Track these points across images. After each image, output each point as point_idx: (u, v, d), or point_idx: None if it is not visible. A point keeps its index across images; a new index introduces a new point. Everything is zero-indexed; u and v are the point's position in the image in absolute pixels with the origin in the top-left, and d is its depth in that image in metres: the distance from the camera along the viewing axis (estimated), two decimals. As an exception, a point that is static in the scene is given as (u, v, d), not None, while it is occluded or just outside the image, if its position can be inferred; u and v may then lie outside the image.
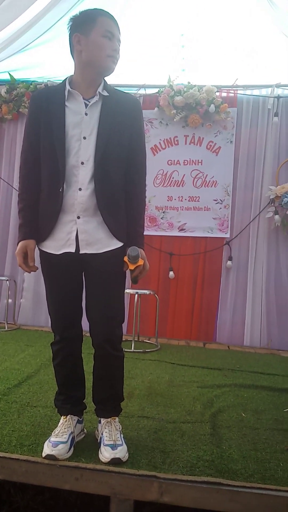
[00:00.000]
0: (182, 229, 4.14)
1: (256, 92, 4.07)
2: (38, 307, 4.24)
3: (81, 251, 1.66)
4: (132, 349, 3.45)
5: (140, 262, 1.67)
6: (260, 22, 3.72)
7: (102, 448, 1.67)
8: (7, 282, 4.11)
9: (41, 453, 1.65)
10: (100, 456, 1.65)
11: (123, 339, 1.81)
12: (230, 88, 4.04)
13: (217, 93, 3.97)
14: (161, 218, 4.16)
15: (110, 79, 1.75)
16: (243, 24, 3.77)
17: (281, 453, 1.82)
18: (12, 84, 4.25)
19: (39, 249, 1.73)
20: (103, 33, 1.61)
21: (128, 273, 1.74)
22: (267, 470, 1.67)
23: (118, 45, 1.66)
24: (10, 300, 4.15)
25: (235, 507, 1.53)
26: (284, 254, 4.00)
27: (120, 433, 1.73)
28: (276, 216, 3.91)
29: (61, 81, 1.74)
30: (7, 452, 1.67)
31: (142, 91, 4.14)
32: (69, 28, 1.68)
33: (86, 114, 1.65)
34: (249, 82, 4.04)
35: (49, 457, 1.61)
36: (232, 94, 4.04)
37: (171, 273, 4.10)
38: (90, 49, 1.63)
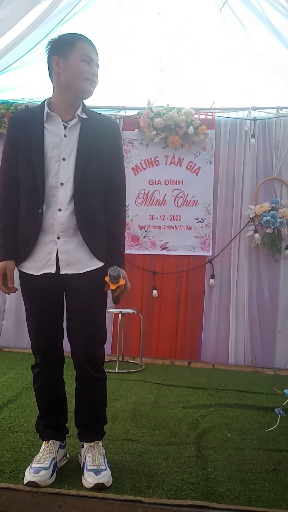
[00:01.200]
0: (164, 248, 4.16)
1: (233, 114, 4.17)
2: (20, 328, 4.17)
3: (62, 272, 1.65)
4: (117, 370, 3.40)
5: (122, 282, 1.67)
6: (235, 46, 3.86)
7: (85, 473, 1.63)
8: (-12, 304, 4.04)
9: (23, 480, 1.61)
10: (83, 482, 1.62)
11: (107, 360, 1.80)
12: (208, 111, 4.14)
13: (196, 115, 4.06)
14: (144, 237, 4.18)
15: (91, 101, 1.77)
16: (220, 48, 3.90)
17: (267, 474, 1.81)
18: (-8, 105, 4.27)
19: (18, 270, 1.71)
20: (81, 57, 1.65)
21: (109, 293, 1.74)
22: (253, 491, 1.66)
23: (96, 69, 1.70)
24: (-9, 323, 4.07)
25: (221, 530, 1.51)
26: (265, 272, 4.05)
27: (104, 458, 1.70)
28: (256, 235, 3.97)
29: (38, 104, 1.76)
30: (-14, 481, 1.61)
31: (122, 113, 4.20)
32: (47, 51, 1.71)
33: (65, 135, 1.67)
34: (227, 104, 4.14)
35: (30, 484, 1.57)
36: (210, 116, 4.13)
37: (155, 291, 4.10)
38: (68, 72, 1.65)
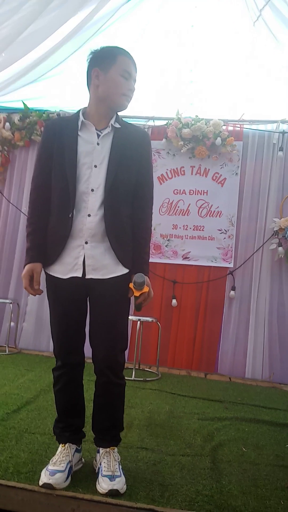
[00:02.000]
0: (186, 258, 4.17)
1: (261, 127, 4.17)
2: (40, 331, 4.23)
3: (87, 276, 1.68)
4: (133, 377, 3.41)
5: (146, 289, 1.69)
6: (266, 58, 3.87)
7: (100, 478, 1.64)
8: (11, 305, 4.11)
9: (38, 481, 1.63)
10: (98, 487, 1.63)
11: (124, 367, 1.81)
12: (237, 123, 4.15)
13: (224, 127, 4.07)
14: (166, 246, 4.20)
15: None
16: (250, 60, 3.92)
17: (282, 490, 1.78)
18: (25, 112, 4.38)
19: (45, 273, 1.75)
20: (121, 73, 1.69)
21: (132, 300, 1.76)
22: (268, 508, 1.63)
23: (133, 84, 1.74)
24: (12, 323, 4.14)
25: None
26: (287, 286, 4.00)
27: (119, 464, 1.71)
28: (280, 248, 3.93)
29: (72, 111, 1.80)
30: (3, 480, 1.64)
31: (151, 123, 4.25)
32: (88, 60, 1.75)
33: (98, 144, 1.71)
34: (255, 117, 4.15)
35: (46, 486, 1.59)
36: (238, 128, 4.14)
37: (174, 301, 4.10)
38: (107, 85, 1.70)
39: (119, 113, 1.80)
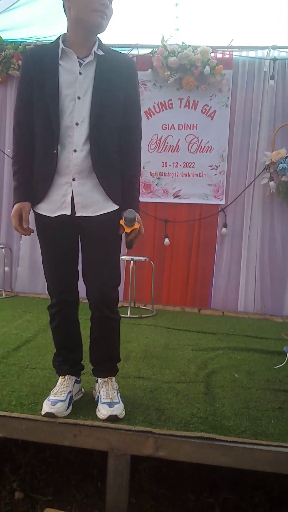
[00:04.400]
0: (177, 196, 4.12)
1: (252, 54, 3.97)
2: (34, 274, 4.26)
3: (77, 214, 1.65)
4: (128, 315, 3.50)
5: (136, 225, 1.67)
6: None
7: (100, 405, 1.72)
8: (3, 250, 4.10)
9: (41, 411, 1.70)
10: (98, 414, 1.71)
11: (119, 306, 1.84)
12: (226, 50, 3.93)
13: (212, 54, 3.87)
14: (156, 185, 4.13)
15: (101, 38, 1.69)
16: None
17: (272, 411, 1.88)
18: (0, 45, 4.10)
19: (34, 211, 1.72)
20: None
21: (123, 237, 1.75)
22: (259, 427, 1.74)
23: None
24: (6, 268, 4.16)
25: (228, 461, 1.60)
26: (279, 221, 4.01)
27: (117, 392, 1.78)
28: (271, 183, 3.89)
29: (51, 41, 1.68)
30: (7, 411, 1.71)
31: (135, 51, 4.02)
32: None
33: (80, 73, 1.61)
34: (245, 43, 3.92)
35: (48, 415, 1.66)
36: (228, 56, 3.93)
37: (166, 240, 4.11)
38: (77, 5, 1.57)
39: (101, 39, 1.68)
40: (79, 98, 1.60)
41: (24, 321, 3.16)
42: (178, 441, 1.62)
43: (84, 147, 1.61)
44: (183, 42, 3.85)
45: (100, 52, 1.64)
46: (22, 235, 1.76)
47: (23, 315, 3.34)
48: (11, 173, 1.75)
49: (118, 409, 1.69)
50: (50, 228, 1.70)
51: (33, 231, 1.74)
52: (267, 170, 3.94)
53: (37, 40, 4.04)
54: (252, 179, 4.00)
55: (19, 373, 2.14)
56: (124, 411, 1.72)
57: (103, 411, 1.68)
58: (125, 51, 3.93)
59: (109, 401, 1.71)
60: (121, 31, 3.48)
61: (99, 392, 1.77)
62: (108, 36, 1.86)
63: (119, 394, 1.78)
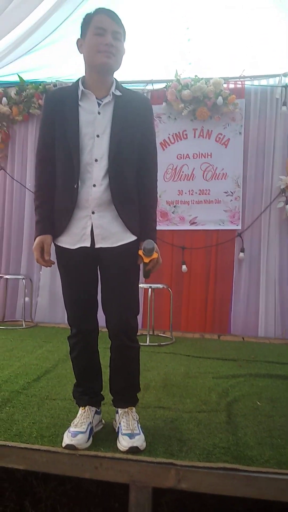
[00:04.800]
0: (193, 223, 4.16)
1: (263, 82, 4.06)
2: (54, 304, 4.31)
3: (97, 245, 1.70)
4: (147, 343, 3.49)
5: (155, 255, 1.71)
6: (265, 11, 3.70)
7: (120, 437, 1.71)
8: (23, 280, 4.18)
9: (61, 443, 1.70)
10: (118, 445, 1.70)
11: (138, 333, 1.85)
12: (238, 80, 4.04)
13: (225, 85, 3.97)
14: (172, 213, 4.19)
15: (116, 75, 1.77)
16: (248, 15, 3.75)
17: (297, 440, 1.84)
18: (21, 85, 4.31)
19: (55, 244, 1.78)
20: (94, 31, 1.64)
21: (141, 266, 1.78)
22: (283, 455, 1.69)
23: (111, 38, 1.64)
24: (27, 298, 4.23)
25: (252, 492, 1.55)
26: (296, 244, 3.99)
27: (138, 423, 1.77)
28: (287, 206, 3.89)
29: (69, 81, 1.77)
30: (28, 443, 1.72)
31: (149, 87, 4.16)
32: None
33: (99, 113, 1.69)
34: (257, 72, 4.02)
35: (69, 447, 1.66)
36: (240, 85, 4.03)
37: (184, 266, 4.13)
38: (86, 50, 1.68)
39: (117, 79, 1.77)
40: (98, 136, 1.68)
41: (44, 351, 3.18)
42: (201, 473, 1.59)
43: (103, 182, 1.68)
44: (196, 76, 3.97)
45: (118, 93, 1.72)
46: (42, 266, 1.80)
47: (43, 345, 3.37)
48: (32, 207, 1.83)
49: (139, 441, 1.68)
50: (70, 260, 1.75)
51: (54, 263, 1.79)
52: (283, 194, 3.96)
53: (56, 80, 4.24)
54: (268, 204, 4.02)
55: (40, 404, 2.15)
56: (145, 443, 1.71)
57: (124, 443, 1.67)
58: (140, 86, 4.08)
59: (129, 432, 1.70)
60: (136, 68, 3.62)
61: (120, 423, 1.76)
62: (124, 73, 1.95)
63: (139, 425, 1.77)
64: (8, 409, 2.07)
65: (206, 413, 2.10)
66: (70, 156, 1.67)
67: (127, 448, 1.66)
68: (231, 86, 4.03)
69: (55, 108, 1.72)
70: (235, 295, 4.10)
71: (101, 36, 1.64)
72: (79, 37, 1.71)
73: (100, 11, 1.67)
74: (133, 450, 1.65)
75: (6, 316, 4.38)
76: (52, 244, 1.77)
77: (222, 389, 2.44)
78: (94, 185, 1.68)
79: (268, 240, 4.03)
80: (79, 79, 1.76)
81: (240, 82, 4.04)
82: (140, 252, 1.71)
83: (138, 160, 1.75)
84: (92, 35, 1.64)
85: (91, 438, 1.73)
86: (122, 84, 1.78)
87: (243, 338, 3.90)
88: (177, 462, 1.61)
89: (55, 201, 1.75)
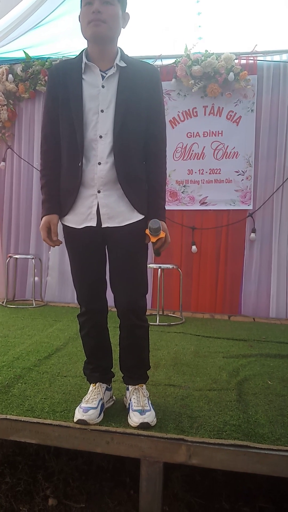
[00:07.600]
0: (203, 203, 4.11)
1: (276, 57, 3.93)
2: (64, 284, 4.33)
3: (103, 225, 1.67)
4: (157, 323, 3.49)
5: (162, 234, 1.67)
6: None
7: (131, 413, 1.72)
8: (33, 260, 4.19)
9: (73, 418, 1.72)
10: (129, 421, 1.71)
11: (148, 314, 1.84)
12: (249, 55, 3.92)
13: (236, 61, 3.86)
14: (182, 192, 4.14)
15: (125, 50, 1.70)
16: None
17: (308, 418, 1.83)
18: (27, 62, 4.24)
19: (62, 223, 1.76)
20: (84, 2, 1.59)
21: (150, 245, 1.76)
22: (294, 434, 1.69)
23: (99, 4, 1.54)
24: (36, 278, 4.25)
25: (262, 469, 1.56)
26: (309, 224, 3.93)
27: (148, 399, 1.78)
28: (300, 185, 3.82)
29: (76, 55, 1.72)
30: (40, 418, 1.74)
31: (158, 62, 4.06)
32: None
33: (103, 86, 1.64)
34: (269, 47, 3.90)
35: (80, 422, 1.67)
36: (252, 61, 3.92)
37: (194, 247, 4.10)
38: (80, 23, 1.64)
39: (124, 51, 1.71)
40: (102, 111, 1.63)
41: (55, 329, 3.20)
42: (211, 449, 1.59)
43: (108, 160, 1.64)
44: (206, 50, 3.86)
45: (123, 64, 1.66)
46: (51, 246, 1.78)
47: (54, 323, 3.39)
48: (40, 186, 1.79)
49: (150, 417, 1.69)
50: (77, 239, 1.73)
51: (61, 242, 1.78)
52: (296, 173, 3.88)
53: (62, 56, 4.15)
54: (281, 183, 3.94)
55: (51, 380, 2.17)
56: (155, 419, 1.72)
57: (134, 419, 1.68)
58: (148, 62, 3.97)
59: (140, 409, 1.71)
60: (143, 43, 3.53)
61: (130, 400, 1.77)
62: (131, 48, 1.89)
63: (150, 402, 1.78)
64: (20, 385, 2.09)
65: (216, 391, 2.10)
66: (74, 132, 1.63)
67: (137, 424, 1.67)
68: (243, 61, 3.91)
69: (58, 83, 1.67)
70: (246, 275, 4.07)
71: (90, 5, 1.57)
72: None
73: None
74: (144, 425, 1.66)
75: (17, 295, 4.41)
76: (60, 223, 1.76)
77: (233, 368, 2.44)
78: (99, 163, 1.64)
79: (280, 220, 3.97)
80: (82, 51, 1.70)
81: (252, 58, 3.92)
82: (147, 232, 1.68)
83: (146, 136, 1.70)
84: (82, 7, 1.60)
85: (102, 414, 1.75)
86: (129, 56, 1.72)
87: (253, 319, 3.89)
88: (188, 438, 1.62)
89: (61, 180, 1.71)
